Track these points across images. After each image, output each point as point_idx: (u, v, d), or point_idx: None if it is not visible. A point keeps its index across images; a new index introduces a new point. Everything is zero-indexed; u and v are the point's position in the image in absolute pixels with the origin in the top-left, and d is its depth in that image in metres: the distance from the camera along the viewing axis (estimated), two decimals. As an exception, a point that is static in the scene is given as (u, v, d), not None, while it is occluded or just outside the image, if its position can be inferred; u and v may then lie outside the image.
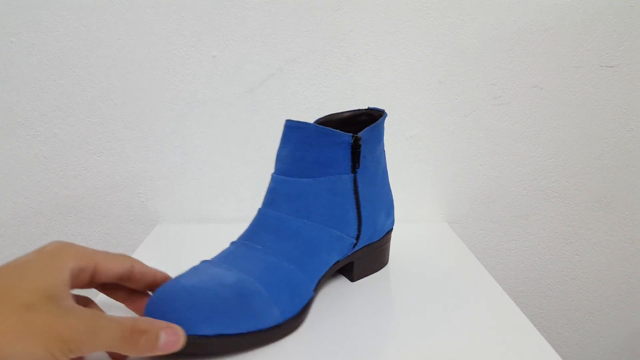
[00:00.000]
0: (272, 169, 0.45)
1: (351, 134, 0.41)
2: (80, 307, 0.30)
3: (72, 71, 0.62)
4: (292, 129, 0.41)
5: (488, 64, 0.65)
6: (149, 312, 0.34)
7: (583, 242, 0.75)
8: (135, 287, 0.38)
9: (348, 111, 0.48)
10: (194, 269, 0.39)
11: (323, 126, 0.41)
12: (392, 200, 0.51)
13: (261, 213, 0.43)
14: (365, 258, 0.49)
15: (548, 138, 0.69)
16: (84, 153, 0.65)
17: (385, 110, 0.47)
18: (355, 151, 0.42)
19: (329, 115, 0.47)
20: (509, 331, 0.41)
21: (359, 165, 0.43)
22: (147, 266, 0.38)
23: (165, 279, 0.39)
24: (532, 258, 0.76)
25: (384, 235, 0.50)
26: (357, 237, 0.45)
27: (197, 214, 0.69)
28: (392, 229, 0.52)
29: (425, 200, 0.71)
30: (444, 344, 0.39)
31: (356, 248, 0.46)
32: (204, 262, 0.40)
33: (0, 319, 0.27)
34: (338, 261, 0.45)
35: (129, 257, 0.37)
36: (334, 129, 0.41)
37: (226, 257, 0.40)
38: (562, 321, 0.80)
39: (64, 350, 0.28)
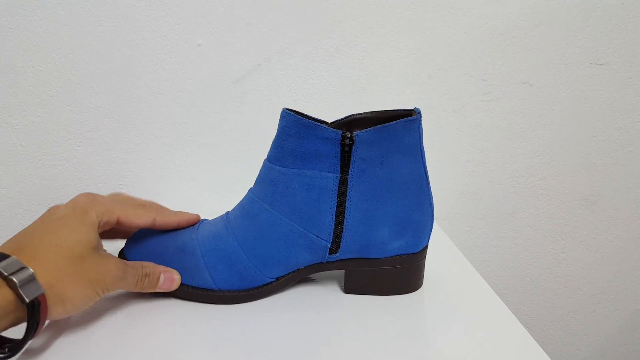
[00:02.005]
0: (257, 161, 0.45)
1: (341, 131, 0.38)
2: (113, 256, 0.38)
3: (51, 58, 0.60)
4: (281, 117, 0.41)
5: (478, 60, 0.64)
6: (127, 252, 0.44)
7: (569, 240, 0.75)
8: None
9: (395, 110, 0.43)
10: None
11: (307, 118, 0.39)
12: (417, 221, 0.42)
13: (248, 192, 0.45)
14: (361, 274, 0.44)
15: (537, 135, 0.69)
16: (63, 142, 0.63)
17: (374, 109, 0.42)
18: (345, 150, 0.39)
19: (376, 112, 0.43)
20: (496, 328, 0.40)
21: (349, 167, 0.39)
22: (170, 216, 0.44)
23: (191, 221, 0.45)
24: (518, 255, 0.76)
25: (392, 256, 0.43)
26: (334, 243, 0.41)
27: (179, 206, 0.68)
28: (411, 254, 0.43)
29: (413, 196, 0.70)
30: (429, 339, 0.38)
31: (340, 256, 0.43)
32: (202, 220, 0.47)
33: (61, 269, 0.34)
34: (321, 263, 0.43)
35: (152, 210, 0.43)
36: (317, 122, 0.39)
37: (209, 222, 0.46)
38: (547, 318, 0.80)
39: (104, 290, 0.37)
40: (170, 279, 0.41)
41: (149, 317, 0.41)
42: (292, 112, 0.40)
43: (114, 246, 0.46)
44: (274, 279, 0.43)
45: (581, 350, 0.83)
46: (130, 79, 0.61)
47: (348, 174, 0.40)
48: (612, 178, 0.72)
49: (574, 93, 0.67)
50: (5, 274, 0.31)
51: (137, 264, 0.40)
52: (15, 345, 0.32)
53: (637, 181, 0.73)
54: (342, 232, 0.41)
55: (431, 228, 0.44)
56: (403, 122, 0.39)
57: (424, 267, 0.46)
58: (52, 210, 0.38)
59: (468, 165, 0.69)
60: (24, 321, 0.32)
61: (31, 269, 0.32)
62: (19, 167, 0.64)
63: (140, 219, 0.41)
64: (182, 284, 0.42)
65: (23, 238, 0.36)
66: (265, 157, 0.43)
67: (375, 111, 0.42)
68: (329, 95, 0.64)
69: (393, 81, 0.64)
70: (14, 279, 0.31)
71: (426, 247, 0.45)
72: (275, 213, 0.41)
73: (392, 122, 0.39)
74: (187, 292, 0.43)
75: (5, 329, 0.32)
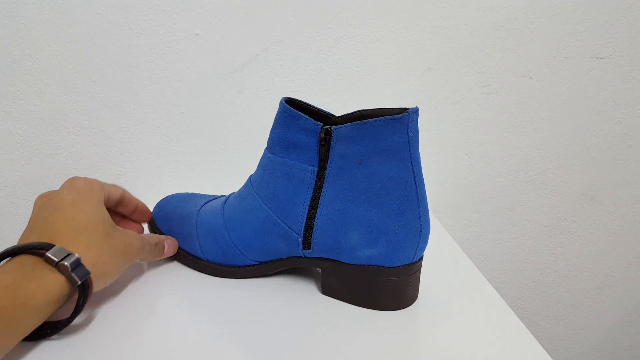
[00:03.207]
0: (254, 152, 0.46)
1: (321, 124, 0.37)
2: (129, 230, 0.42)
3: (48, 46, 0.59)
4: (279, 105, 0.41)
5: (478, 52, 0.64)
6: (155, 214, 0.51)
7: (567, 234, 0.75)
8: (124, 212, 0.47)
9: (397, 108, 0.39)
10: (196, 196, 0.52)
11: (293, 108, 0.39)
12: (394, 232, 0.38)
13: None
14: (334, 278, 0.42)
15: (536, 129, 0.68)
16: (61, 131, 0.63)
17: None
18: (322, 143, 0.37)
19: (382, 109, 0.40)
20: (492, 322, 0.40)
21: (327, 161, 0.38)
22: (131, 194, 0.47)
23: (144, 207, 0.49)
24: (516, 250, 0.76)
25: (362, 265, 0.40)
26: (306, 238, 0.40)
27: (177, 197, 0.68)
28: (384, 268, 0.39)
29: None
30: (426, 332, 0.38)
31: (313, 253, 0.41)
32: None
33: (97, 248, 0.37)
34: (300, 257, 0.42)
35: (120, 187, 0.46)
36: (301, 113, 0.38)
37: (219, 197, 0.50)
38: (543, 313, 0.80)
39: (131, 260, 0.41)
40: (173, 245, 0.46)
41: (144, 282, 0.45)
42: (287, 101, 0.39)
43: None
44: (256, 262, 0.44)
45: (577, 345, 0.83)
46: (128, 68, 0.61)
47: (327, 169, 0.38)
48: (611, 173, 0.72)
49: (573, 87, 0.67)
50: (56, 260, 0.33)
51: (146, 235, 0.44)
52: (60, 324, 0.35)
53: (636, 176, 0.72)
54: (312, 228, 0.40)
55: (418, 244, 0.39)
56: (384, 121, 0.36)
57: (406, 288, 0.41)
58: (55, 197, 0.39)
59: (466, 159, 0.69)
60: (71, 302, 0.35)
61: (76, 254, 0.34)
62: (16, 156, 0.64)
63: (117, 192, 0.44)
64: (180, 248, 0.47)
65: (48, 227, 0.37)
66: (261, 146, 0.44)
67: (384, 108, 0.39)
68: (327, 86, 0.64)
69: (392, 73, 0.64)
70: (66, 264, 0.33)
71: (410, 265, 0.39)
72: (258, 198, 0.42)
73: (371, 119, 0.36)
74: (182, 256, 0.47)
75: (54, 311, 0.34)
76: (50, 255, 0.33)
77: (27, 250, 0.34)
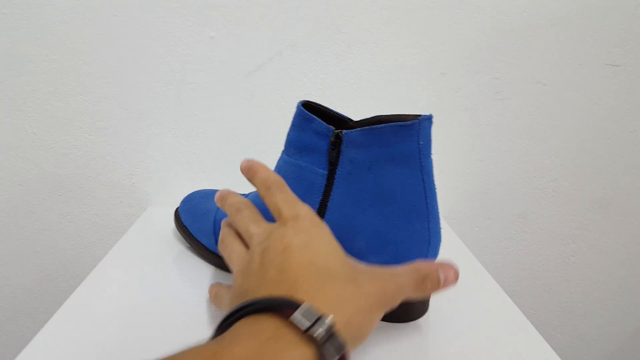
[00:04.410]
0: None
1: (333, 128, 0.37)
2: (376, 268, 0.32)
3: (65, 46, 0.60)
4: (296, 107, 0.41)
5: (492, 58, 0.64)
6: (180, 210, 0.54)
7: (580, 243, 0.74)
8: None
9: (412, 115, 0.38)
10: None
11: (310, 111, 0.39)
12: (400, 242, 0.37)
13: None
14: None
15: (549, 135, 0.68)
16: (75, 131, 0.64)
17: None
18: (332, 147, 0.37)
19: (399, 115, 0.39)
20: (507, 329, 0.40)
21: (336, 166, 0.37)
22: None
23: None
24: (527, 258, 0.75)
25: None
26: None
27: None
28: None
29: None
30: (441, 340, 0.38)
31: None
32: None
33: (345, 300, 0.27)
34: None
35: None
36: (314, 116, 0.38)
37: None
38: (554, 323, 0.79)
39: (385, 310, 0.30)
40: (450, 269, 0.32)
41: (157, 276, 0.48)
42: (306, 104, 0.40)
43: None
44: None
45: (589, 356, 0.82)
46: (143, 69, 0.62)
47: (336, 172, 0.38)
48: (625, 181, 0.71)
49: (587, 94, 0.66)
50: (306, 326, 0.24)
51: (402, 269, 0.32)
52: None
53: (650, 185, 0.72)
54: None
55: (427, 256, 0.38)
56: (393, 127, 0.35)
57: (414, 300, 0.38)
58: (278, 239, 0.31)
59: (479, 164, 0.68)
60: None
61: (329, 316, 0.25)
62: (30, 155, 0.64)
63: None
64: (196, 241, 0.49)
65: (284, 276, 0.28)
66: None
67: (402, 114, 0.38)
68: (340, 90, 0.64)
69: (405, 78, 0.64)
70: (318, 332, 0.24)
71: None
72: None
73: (380, 125, 0.35)
74: (200, 250, 0.50)
75: None
76: (297, 319, 0.24)
77: (268, 309, 0.25)
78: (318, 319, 0.24)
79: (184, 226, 0.52)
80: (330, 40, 0.62)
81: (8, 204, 0.66)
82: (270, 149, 0.65)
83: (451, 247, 0.58)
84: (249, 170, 0.37)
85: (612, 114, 0.68)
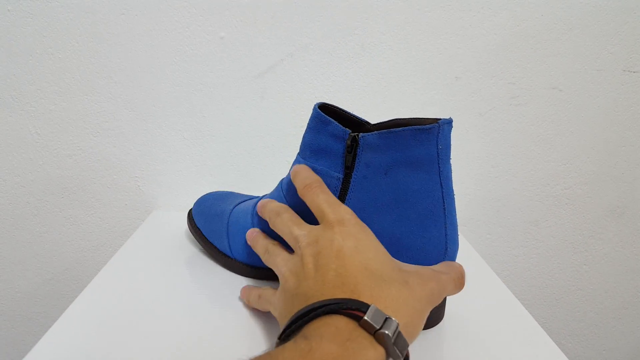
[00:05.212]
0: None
1: (349, 131, 0.36)
2: (418, 267, 0.34)
3: (71, 45, 0.58)
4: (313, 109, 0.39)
5: (507, 62, 0.62)
6: (194, 211, 0.52)
7: (593, 252, 0.73)
8: None
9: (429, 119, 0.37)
10: (233, 195, 0.53)
11: (327, 114, 0.38)
12: (418, 249, 0.36)
13: None
14: None
15: (564, 142, 0.66)
16: (80, 132, 0.62)
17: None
18: (348, 150, 0.36)
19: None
20: (521, 338, 0.38)
21: (352, 169, 0.36)
22: None
23: None
24: (539, 266, 0.73)
25: None
26: None
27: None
28: None
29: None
30: (454, 347, 0.37)
31: None
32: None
33: (402, 302, 0.28)
34: None
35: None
36: (331, 119, 0.37)
37: (254, 197, 0.50)
38: (566, 332, 0.78)
39: (434, 307, 0.31)
40: (462, 275, 0.35)
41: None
42: (322, 106, 0.38)
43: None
44: None
45: (599, 367, 0.80)
46: (150, 69, 0.60)
47: (352, 176, 0.37)
48: (640, 190, 0.70)
49: (604, 101, 0.65)
50: (376, 327, 0.25)
51: (443, 268, 0.34)
52: None
53: (665, 194, 0.70)
54: None
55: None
56: (412, 130, 0.34)
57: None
58: (328, 243, 0.31)
59: (492, 171, 0.67)
60: None
61: (394, 318, 0.26)
62: (33, 156, 0.63)
63: None
64: (209, 243, 0.48)
65: (345, 279, 0.29)
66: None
67: (420, 118, 0.37)
68: (352, 93, 0.62)
69: (418, 81, 0.62)
70: (387, 332, 0.25)
71: None
72: (286, 202, 0.40)
73: (398, 129, 0.34)
74: (212, 252, 0.48)
75: None
76: (368, 320, 0.25)
77: (339, 311, 0.26)
78: (385, 320, 0.26)
79: (197, 228, 0.51)
80: (342, 42, 0.60)
81: (10, 205, 0.64)
82: (279, 152, 0.63)
83: (463, 254, 0.56)
84: (294, 172, 0.38)
85: (629, 121, 0.66)
